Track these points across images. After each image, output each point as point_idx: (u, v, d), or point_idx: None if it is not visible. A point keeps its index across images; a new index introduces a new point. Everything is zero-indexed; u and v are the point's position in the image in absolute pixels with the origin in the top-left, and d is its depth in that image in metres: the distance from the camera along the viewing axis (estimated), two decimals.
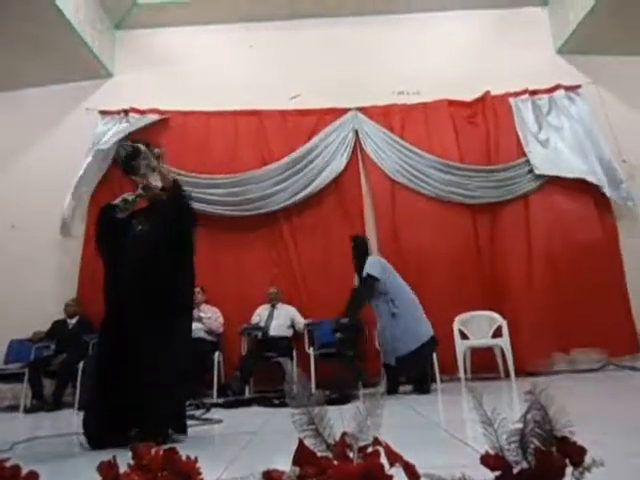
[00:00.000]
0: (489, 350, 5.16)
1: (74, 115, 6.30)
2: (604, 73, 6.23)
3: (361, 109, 6.19)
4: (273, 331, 5.08)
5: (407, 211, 5.84)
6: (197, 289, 4.91)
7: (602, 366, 5.11)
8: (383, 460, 0.83)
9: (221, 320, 5.22)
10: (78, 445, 2.31)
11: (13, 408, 4.80)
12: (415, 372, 4.20)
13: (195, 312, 4.86)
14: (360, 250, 4.44)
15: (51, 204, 5.65)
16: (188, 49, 6.63)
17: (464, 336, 5.04)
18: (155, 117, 6.12)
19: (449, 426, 2.41)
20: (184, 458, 0.89)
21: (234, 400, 4.18)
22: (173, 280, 2.42)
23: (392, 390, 4.00)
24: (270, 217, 5.87)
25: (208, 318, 5.10)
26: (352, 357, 4.62)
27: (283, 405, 3.44)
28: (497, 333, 4.99)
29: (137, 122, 6.06)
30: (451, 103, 6.21)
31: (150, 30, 6.71)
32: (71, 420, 3.80)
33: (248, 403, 4.00)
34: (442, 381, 4.65)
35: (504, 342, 4.86)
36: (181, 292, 2.48)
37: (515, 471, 0.83)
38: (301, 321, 5.21)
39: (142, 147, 2.52)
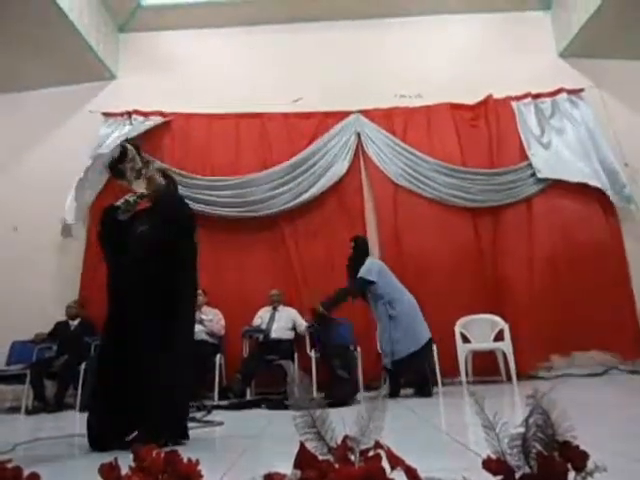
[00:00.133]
0: (491, 353, 5.15)
1: (77, 117, 6.32)
2: (607, 77, 6.23)
3: (363, 112, 6.20)
4: (274, 333, 5.08)
5: (409, 214, 5.84)
6: (199, 291, 4.91)
7: (605, 370, 5.08)
8: (385, 464, 0.83)
9: (222, 322, 5.22)
10: (79, 447, 2.31)
11: (15, 409, 4.80)
12: (414, 374, 4.20)
13: (196, 314, 4.86)
14: (361, 250, 4.45)
15: (53, 206, 5.66)
16: (191, 52, 6.66)
17: (466, 339, 5.03)
18: (158, 119, 6.14)
19: (451, 430, 2.41)
20: (185, 460, 0.89)
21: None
22: (173, 281, 2.42)
23: (394, 393, 4.00)
24: (272, 220, 5.87)
25: (209, 320, 5.09)
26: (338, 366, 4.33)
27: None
28: (499, 336, 4.98)
29: (140, 125, 6.08)
30: (453, 106, 6.21)
31: (153, 33, 6.74)
32: (73, 422, 3.80)
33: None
34: (444, 384, 4.64)
35: (506, 346, 4.85)
36: (182, 293, 2.48)
37: (517, 476, 0.83)
38: (302, 323, 5.21)
39: (130, 150, 2.50)
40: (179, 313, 2.44)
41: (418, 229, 5.75)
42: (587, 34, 6.02)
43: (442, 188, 5.86)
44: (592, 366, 5.14)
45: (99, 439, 2.21)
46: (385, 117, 6.20)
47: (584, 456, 0.81)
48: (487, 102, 6.20)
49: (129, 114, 6.15)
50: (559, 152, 5.98)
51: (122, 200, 2.53)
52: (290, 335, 5.17)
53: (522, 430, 0.85)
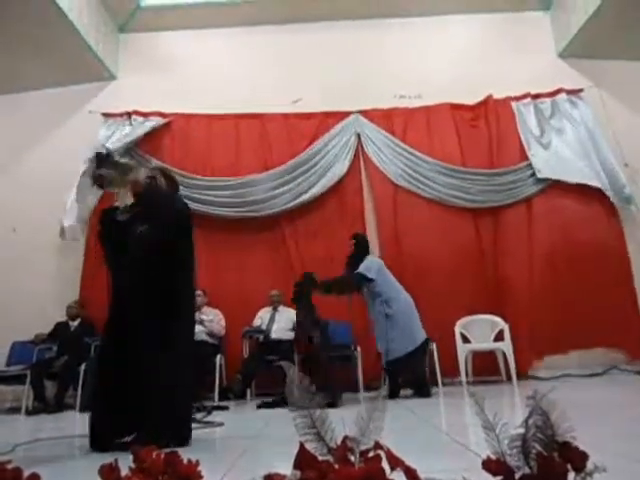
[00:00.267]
0: (491, 353, 5.16)
1: (77, 118, 6.32)
2: (606, 77, 6.23)
3: (363, 112, 6.20)
4: (274, 334, 5.08)
5: (409, 215, 5.84)
6: (199, 292, 4.91)
7: (605, 370, 5.09)
8: (384, 464, 0.83)
9: (223, 323, 5.22)
10: (80, 447, 2.31)
11: (15, 410, 4.80)
12: (411, 374, 4.20)
13: (197, 315, 4.86)
14: (361, 247, 4.44)
15: (53, 207, 5.67)
16: (190, 52, 6.66)
17: (466, 339, 5.04)
18: (157, 120, 6.14)
19: (451, 430, 2.41)
20: (185, 461, 0.89)
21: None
22: (173, 281, 2.42)
23: (393, 394, 3.99)
24: (272, 220, 5.87)
25: (210, 321, 5.09)
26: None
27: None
28: (499, 337, 4.99)
29: (139, 126, 6.08)
30: (453, 107, 6.22)
31: (153, 33, 6.74)
32: (73, 422, 3.81)
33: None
34: (444, 385, 4.65)
35: (506, 346, 4.85)
36: (181, 293, 2.48)
37: (517, 476, 0.83)
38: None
39: (105, 174, 2.46)
40: (179, 313, 2.44)
41: (418, 229, 5.75)
42: (586, 34, 6.02)
43: (442, 188, 5.86)
44: (592, 366, 5.14)
45: (100, 439, 2.21)
46: (385, 117, 6.20)
47: (584, 457, 0.81)
48: (487, 102, 6.20)
49: (129, 114, 6.15)
50: (559, 152, 5.98)
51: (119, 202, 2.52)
52: (290, 336, 5.14)
53: (522, 431, 0.85)
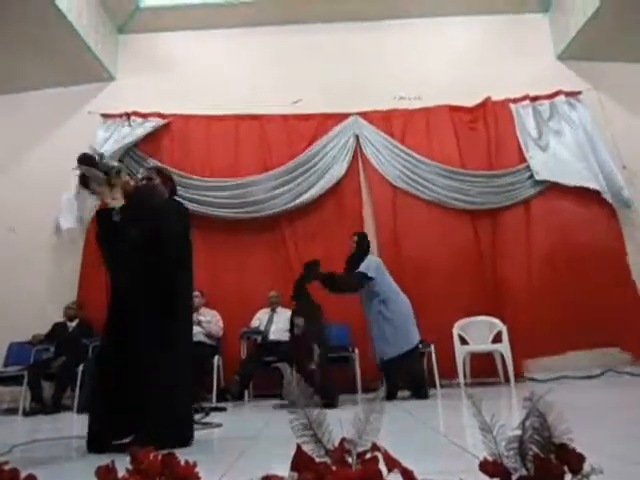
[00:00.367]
0: (489, 355, 5.16)
1: (76, 118, 6.32)
2: (604, 79, 6.25)
3: (362, 114, 6.21)
4: (273, 335, 5.08)
5: (407, 216, 5.85)
6: (197, 293, 4.91)
7: (603, 371, 5.09)
8: (382, 466, 0.83)
9: (220, 324, 5.21)
10: (77, 449, 2.31)
11: (12, 411, 4.79)
12: (406, 375, 4.20)
13: (195, 316, 4.86)
14: (363, 245, 4.44)
15: (52, 207, 5.67)
16: (190, 53, 6.67)
17: (464, 341, 5.04)
18: (157, 121, 6.14)
19: (448, 432, 2.41)
20: (183, 463, 0.89)
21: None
22: (172, 280, 2.42)
23: (390, 395, 3.99)
24: (271, 221, 5.88)
25: (208, 322, 5.09)
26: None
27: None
28: (497, 338, 4.99)
29: (138, 126, 6.08)
30: (452, 108, 6.23)
31: (152, 34, 6.75)
32: (70, 423, 3.80)
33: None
34: (442, 386, 4.65)
35: (504, 347, 4.86)
36: (180, 293, 2.48)
37: (514, 478, 0.83)
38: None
39: (89, 173, 2.43)
40: (178, 313, 2.44)
41: (416, 231, 5.75)
42: (585, 37, 6.04)
43: (441, 190, 5.87)
44: (590, 368, 5.15)
45: (98, 439, 2.20)
46: (384, 119, 6.21)
47: (580, 459, 0.82)
48: (485, 104, 6.22)
49: (128, 115, 6.15)
50: (557, 154, 6.00)
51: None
52: (288, 337, 5.15)
53: (519, 432, 0.85)
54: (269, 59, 6.58)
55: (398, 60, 6.50)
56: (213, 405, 4.19)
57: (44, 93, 6.38)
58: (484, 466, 0.85)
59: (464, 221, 5.85)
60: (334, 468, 0.82)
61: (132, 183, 2.61)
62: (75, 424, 3.71)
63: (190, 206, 5.22)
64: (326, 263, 5.55)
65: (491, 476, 0.84)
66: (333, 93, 6.25)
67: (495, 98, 6.21)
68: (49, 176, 5.83)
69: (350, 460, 0.85)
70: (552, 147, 6.04)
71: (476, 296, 5.47)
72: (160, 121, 6.15)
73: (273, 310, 5.30)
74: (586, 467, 0.81)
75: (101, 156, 2.50)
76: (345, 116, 6.21)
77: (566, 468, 0.81)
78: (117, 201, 2.45)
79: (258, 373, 4.84)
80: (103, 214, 2.50)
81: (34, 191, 5.84)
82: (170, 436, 2.13)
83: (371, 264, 4.25)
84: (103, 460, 0.92)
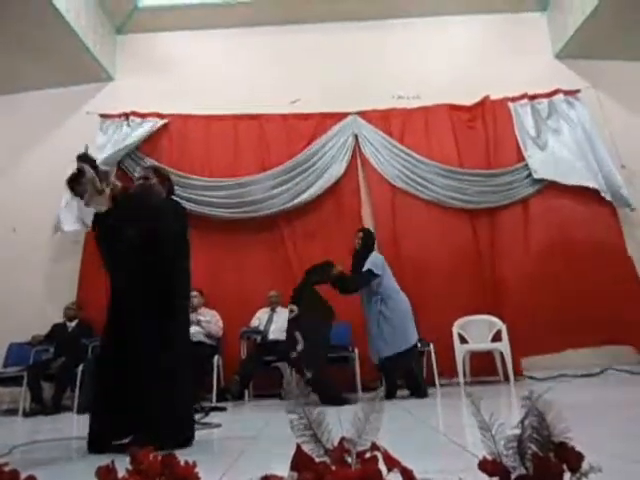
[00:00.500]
0: (488, 354, 5.16)
1: (75, 118, 6.31)
2: (603, 78, 6.25)
3: (361, 113, 6.21)
4: (272, 335, 5.08)
5: (406, 216, 5.85)
6: (196, 292, 4.91)
7: (602, 370, 5.09)
8: (381, 465, 0.83)
9: (220, 324, 5.20)
10: (77, 449, 2.31)
11: (12, 412, 4.78)
12: (404, 374, 4.20)
13: (194, 316, 4.86)
14: (369, 241, 4.43)
15: (51, 207, 5.65)
16: (188, 53, 6.66)
17: (463, 340, 5.04)
18: (155, 121, 6.13)
19: (448, 431, 2.41)
20: (182, 463, 0.89)
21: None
22: (170, 280, 2.42)
23: (390, 394, 3.99)
24: (270, 221, 5.87)
25: (207, 322, 5.08)
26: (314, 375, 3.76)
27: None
28: (496, 337, 4.99)
29: (137, 127, 6.08)
30: (450, 107, 6.23)
31: (150, 34, 6.74)
32: (70, 424, 3.80)
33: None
34: (441, 385, 4.65)
35: (503, 346, 4.86)
36: (178, 292, 2.48)
37: (513, 477, 0.83)
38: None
39: (87, 171, 2.44)
40: (176, 312, 2.44)
41: (415, 231, 5.76)
42: (583, 35, 6.04)
43: (439, 190, 5.87)
44: (589, 366, 5.15)
45: (99, 440, 2.21)
46: (383, 118, 6.21)
47: (579, 457, 0.82)
48: (484, 103, 6.22)
49: (126, 115, 6.14)
50: (555, 153, 6.00)
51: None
52: None
53: (518, 431, 0.85)
54: (267, 59, 6.57)
55: (396, 59, 6.50)
56: (213, 405, 4.19)
57: (42, 93, 6.37)
58: (483, 465, 0.86)
59: (463, 220, 5.85)
60: (334, 468, 0.83)
61: (119, 184, 2.61)
62: (75, 425, 3.71)
63: (189, 206, 5.25)
64: None
65: (490, 475, 0.85)
66: (332, 92, 6.24)
67: (493, 97, 6.21)
68: (48, 176, 5.80)
69: (350, 460, 0.85)
70: (551, 146, 6.04)
71: (475, 295, 5.47)
72: (159, 121, 6.15)
73: (273, 310, 5.29)
74: (585, 465, 0.82)
75: (95, 163, 2.52)
76: (344, 115, 6.21)
77: (565, 466, 0.81)
78: (102, 206, 2.46)
79: (258, 373, 4.84)
80: (101, 215, 2.51)
81: (33, 191, 5.84)
82: (170, 436, 2.13)
83: (377, 261, 4.24)
84: (103, 461, 0.92)
